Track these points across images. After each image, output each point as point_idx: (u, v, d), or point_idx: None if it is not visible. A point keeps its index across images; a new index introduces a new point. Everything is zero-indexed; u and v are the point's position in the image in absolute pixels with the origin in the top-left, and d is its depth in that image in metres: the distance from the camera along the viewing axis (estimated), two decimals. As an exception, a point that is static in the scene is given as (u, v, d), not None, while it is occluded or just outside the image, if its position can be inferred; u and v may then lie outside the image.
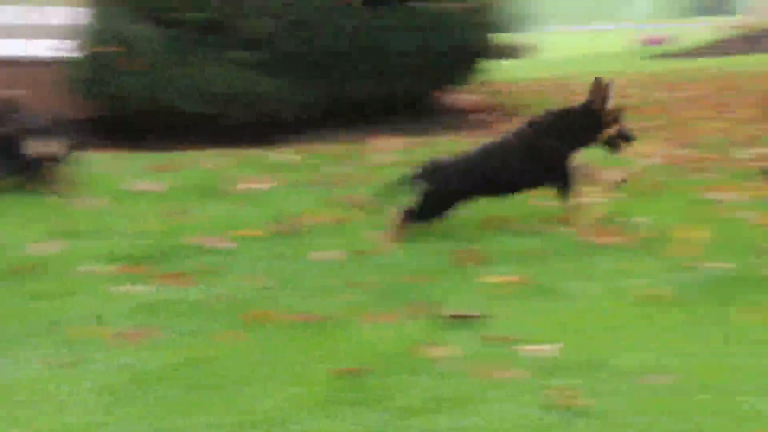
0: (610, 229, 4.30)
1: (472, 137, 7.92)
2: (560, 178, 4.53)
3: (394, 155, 7.03)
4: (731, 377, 2.72)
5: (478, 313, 3.33)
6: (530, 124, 4.65)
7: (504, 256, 4.06)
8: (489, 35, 9.66)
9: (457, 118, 9.13)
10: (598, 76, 4.60)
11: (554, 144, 4.51)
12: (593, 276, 3.74)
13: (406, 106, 9.12)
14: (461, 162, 4.63)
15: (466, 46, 9.20)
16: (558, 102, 9.84)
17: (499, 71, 10.57)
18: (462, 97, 9.83)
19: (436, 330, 3.24)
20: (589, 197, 4.83)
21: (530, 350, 2.99)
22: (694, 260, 3.80)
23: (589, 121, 4.50)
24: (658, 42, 21.48)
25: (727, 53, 15.90)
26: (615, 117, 4.51)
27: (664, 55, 17.21)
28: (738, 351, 2.92)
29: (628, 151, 4.77)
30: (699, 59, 15.40)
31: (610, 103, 4.49)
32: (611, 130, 4.51)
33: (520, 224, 4.59)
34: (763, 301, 3.30)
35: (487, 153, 4.65)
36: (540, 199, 5.04)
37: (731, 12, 38.11)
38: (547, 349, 2.98)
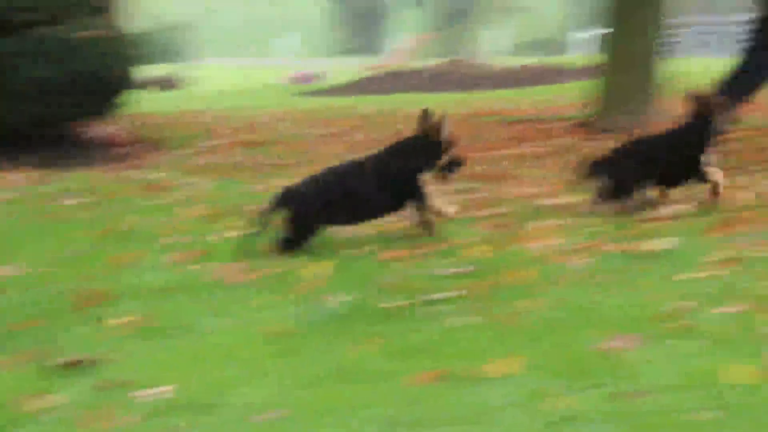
0: (241, 266, 4.28)
1: (111, 170, 7.67)
2: (414, 196, 4.77)
3: (19, 191, 6.61)
4: (346, 407, 2.77)
5: (94, 358, 3.15)
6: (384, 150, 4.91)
7: (130, 295, 3.91)
8: (133, 66, 9.42)
9: (97, 151, 8.79)
10: (426, 108, 4.87)
11: (403, 165, 4.78)
12: (220, 313, 3.69)
13: (42, 137, 8.63)
14: (319, 184, 4.73)
15: (106, 77, 8.88)
16: (202, 134, 9.89)
17: (147, 103, 10.35)
18: (104, 128, 9.50)
19: (44, 379, 3.02)
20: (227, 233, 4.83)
21: (146, 393, 2.87)
22: (317, 294, 3.86)
23: (428, 148, 4.81)
24: (308, 79, 22.12)
25: (368, 92, 16.74)
26: (449, 145, 4.82)
27: (313, 92, 17.76)
28: (353, 381, 2.98)
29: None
30: (347, 97, 16.04)
31: (445, 133, 4.81)
32: (446, 157, 4.81)
33: (150, 260, 4.47)
34: (378, 333, 3.40)
35: (344, 175, 4.81)
36: (177, 234, 4.96)
37: (375, 53, 40.30)
38: (163, 391, 2.88)
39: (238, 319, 3.61)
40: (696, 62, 20.00)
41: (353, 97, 15.98)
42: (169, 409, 2.76)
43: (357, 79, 19.04)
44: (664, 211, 5.24)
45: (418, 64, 21.12)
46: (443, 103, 13.12)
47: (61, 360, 3.14)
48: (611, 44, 9.20)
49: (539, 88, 15.90)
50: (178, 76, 21.87)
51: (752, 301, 3.59)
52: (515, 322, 3.48)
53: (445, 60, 22.22)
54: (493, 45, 42.00)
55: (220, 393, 2.88)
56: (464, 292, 3.84)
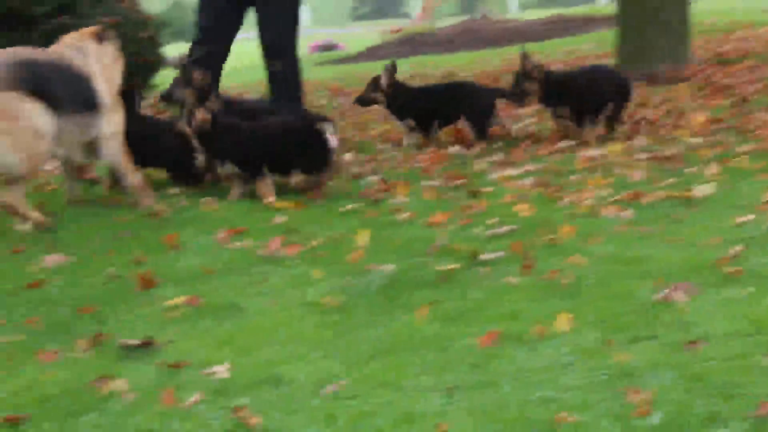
0: (283, 240, 4.28)
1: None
2: None
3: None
4: (406, 377, 2.78)
5: (150, 340, 3.19)
6: None
7: (174, 277, 3.92)
8: (161, 47, 9.39)
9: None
10: None
11: None
12: (265, 289, 3.71)
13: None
14: None
15: (139, 60, 8.76)
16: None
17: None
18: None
19: (108, 363, 3.06)
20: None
21: (205, 373, 2.90)
22: (360, 265, 3.86)
23: None
24: (328, 48, 21.96)
25: (397, 56, 16.41)
26: None
27: (334, 61, 17.62)
28: (409, 350, 2.99)
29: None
30: (366, 63, 15.84)
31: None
32: None
33: (191, 241, 4.45)
34: (427, 299, 3.41)
35: None
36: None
37: (387, 16, 39.59)
38: (220, 370, 2.91)
39: (282, 296, 3.61)
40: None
41: (376, 62, 15.81)
42: (229, 388, 2.79)
43: (375, 44, 18.84)
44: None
45: (438, 24, 20.85)
46: (482, 61, 12.99)
47: (120, 344, 3.18)
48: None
49: (568, 39, 15.51)
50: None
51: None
52: (561, 279, 3.48)
53: (465, 18, 21.91)
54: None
55: (274, 370, 2.88)
56: (508, 252, 3.84)
